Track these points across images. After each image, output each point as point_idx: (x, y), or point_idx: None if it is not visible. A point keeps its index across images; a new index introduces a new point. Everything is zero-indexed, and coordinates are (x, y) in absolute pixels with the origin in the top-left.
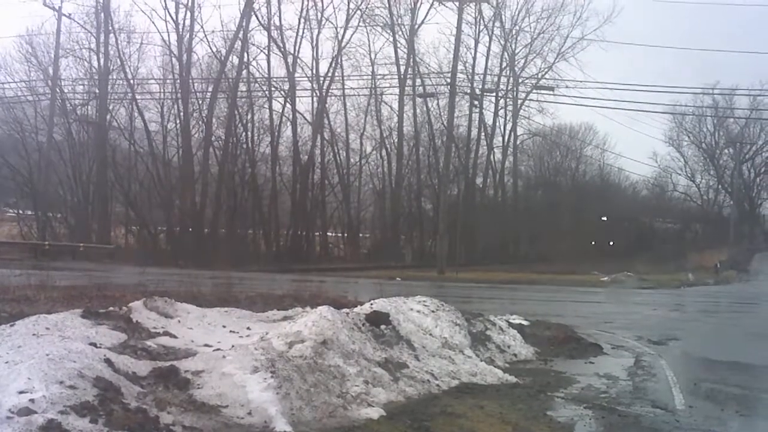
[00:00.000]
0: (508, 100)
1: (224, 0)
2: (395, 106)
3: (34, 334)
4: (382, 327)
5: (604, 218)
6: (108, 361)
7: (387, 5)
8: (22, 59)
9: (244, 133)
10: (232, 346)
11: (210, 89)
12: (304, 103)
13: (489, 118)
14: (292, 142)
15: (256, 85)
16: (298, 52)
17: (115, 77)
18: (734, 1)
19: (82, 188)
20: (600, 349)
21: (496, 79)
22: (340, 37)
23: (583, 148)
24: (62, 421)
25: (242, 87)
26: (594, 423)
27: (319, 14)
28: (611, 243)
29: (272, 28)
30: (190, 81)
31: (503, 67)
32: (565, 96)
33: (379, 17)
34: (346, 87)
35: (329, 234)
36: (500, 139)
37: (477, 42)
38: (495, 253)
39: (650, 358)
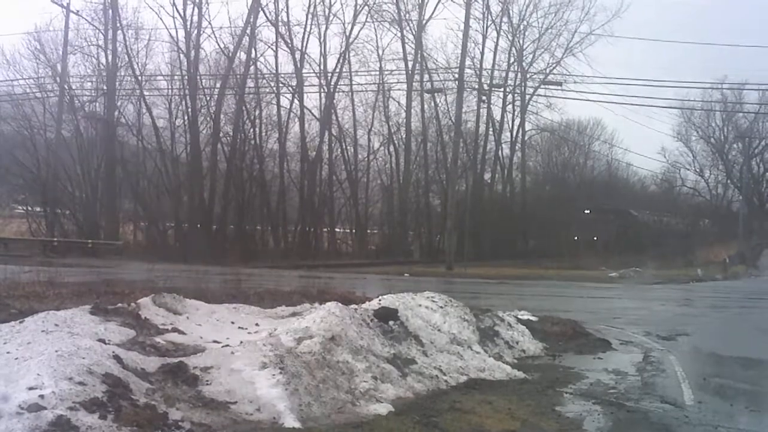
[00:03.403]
0: (516, 95)
1: None
2: (403, 101)
3: (43, 331)
4: (391, 323)
5: (587, 211)
6: (117, 358)
7: (395, 1)
8: (31, 56)
9: (252, 129)
10: (241, 342)
11: (218, 85)
12: (312, 99)
13: (497, 114)
14: (299, 138)
15: (264, 81)
16: (306, 48)
17: (123, 74)
18: None
19: (91, 185)
20: (608, 345)
21: (504, 74)
22: (347, 33)
23: (591, 144)
24: (71, 417)
25: (250, 83)
26: (603, 418)
27: (327, 10)
28: (595, 238)
29: (280, 24)
30: (198, 77)
31: (511, 62)
32: (573, 91)
33: (387, 13)
34: (353, 83)
35: (337, 230)
36: (508, 134)
37: (485, 37)
38: (503, 248)
39: (659, 353)
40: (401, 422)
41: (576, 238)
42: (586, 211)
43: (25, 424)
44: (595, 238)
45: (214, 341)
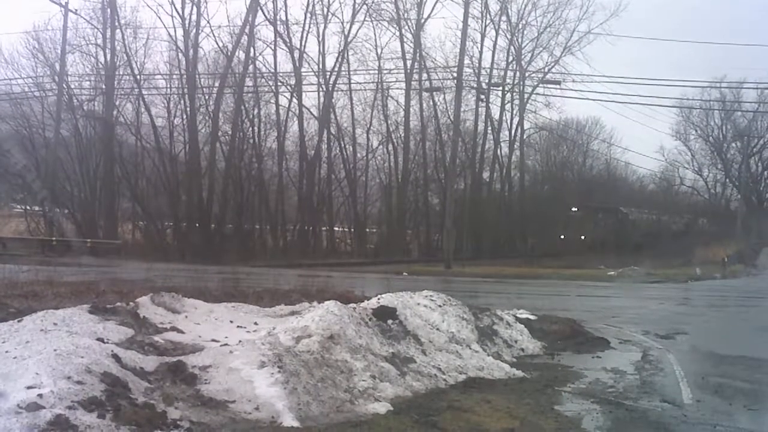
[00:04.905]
0: (514, 94)
1: None
2: (402, 100)
3: (41, 330)
4: (389, 322)
5: (574, 209)
6: (115, 357)
7: (393, 0)
8: (29, 55)
9: (250, 128)
10: (240, 341)
11: (216, 84)
12: (311, 98)
13: (495, 113)
14: (298, 137)
15: (263, 80)
16: (305, 47)
17: (121, 73)
18: None
19: (89, 184)
20: (607, 344)
21: (502, 73)
22: (346, 32)
23: (589, 143)
24: (70, 416)
25: (249, 82)
26: (601, 417)
27: (325, 9)
28: (582, 237)
29: (278, 22)
30: (197, 76)
31: (510, 61)
32: (571, 90)
33: (386, 12)
34: (352, 82)
35: (336, 229)
36: (507, 133)
37: (483, 36)
38: (502, 247)
39: (658, 352)
40: (400, 421)
41: (562, 237)
42: (574, 209)
43: (24, 423)
44: (583, 237)
45: (213, 340)
